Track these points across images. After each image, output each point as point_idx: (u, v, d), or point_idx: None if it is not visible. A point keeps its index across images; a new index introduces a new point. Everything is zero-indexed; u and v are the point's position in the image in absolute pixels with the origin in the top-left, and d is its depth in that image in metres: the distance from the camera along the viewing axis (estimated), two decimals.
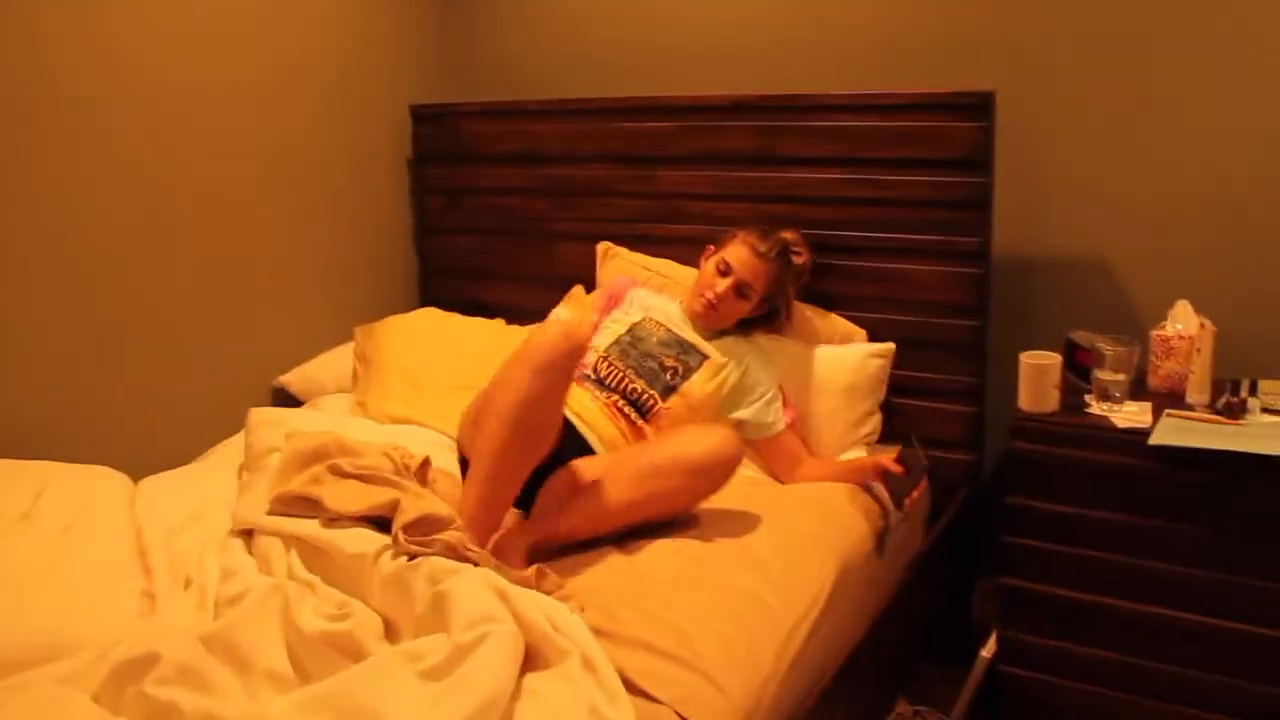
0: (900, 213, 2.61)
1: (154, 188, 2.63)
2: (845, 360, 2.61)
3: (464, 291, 3.35)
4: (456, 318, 3.04)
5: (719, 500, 2.20)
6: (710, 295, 2.49)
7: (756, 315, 2.59)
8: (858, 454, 2.56)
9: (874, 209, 2.64)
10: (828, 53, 2.87)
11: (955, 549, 2.64)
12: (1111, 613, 2.22)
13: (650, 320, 2.57)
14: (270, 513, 1.93)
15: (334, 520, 1.84)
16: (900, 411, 2.67)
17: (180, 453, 2.61)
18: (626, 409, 2.41)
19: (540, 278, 3.16)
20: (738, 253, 2.51)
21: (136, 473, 2.36)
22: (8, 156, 2.33)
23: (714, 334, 2.56)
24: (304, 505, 1.90)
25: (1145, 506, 2.16)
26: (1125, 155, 2.57)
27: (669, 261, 2.89)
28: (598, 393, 2.42)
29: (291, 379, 2.96)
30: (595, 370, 2.47)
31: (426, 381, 2.74)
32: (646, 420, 2.42)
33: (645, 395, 2.43)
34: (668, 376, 2.47)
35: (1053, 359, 2.28)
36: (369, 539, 1.77)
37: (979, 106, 2.48)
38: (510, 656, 1.48)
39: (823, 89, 2.72)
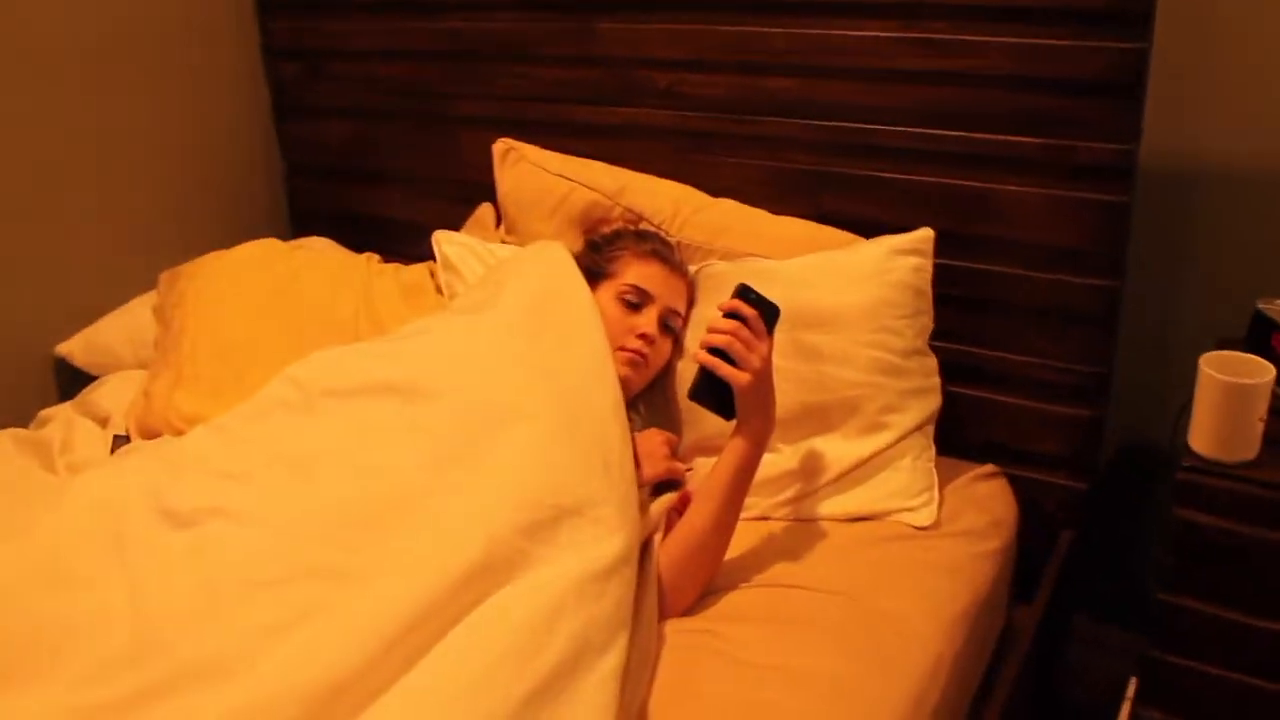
0: (988, 97, 1.60)
1: None
2: (854, 267, 1.60)
3: (336, 200, 2.36)
4: (304, 252, 2.05)
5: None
6: (636, 345, 1.53)
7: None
8: (896, 437, 1.57)
9: (943, 89, 1.63)
10: None
11: (1056, 615, 1.74)
12: None
13: None
14: None
15: None
16: (974, 409, 1.72)
17: None
18: None
19: (436, 181, 2.19)
20: (644, 270, 1.59)
21: None
22: None
23: (638, 399, 1.65)
24: None
25: None
26: None
27: (598, 164, 1.90)
28: None
29: (74, 347, 2.01)
30: None
31: (249, 359, 1.78)
32: None
33: None
34: None
35: (1264, 373, 1.32)
36: None
37: None
38: None
39: None
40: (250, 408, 1.39)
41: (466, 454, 1.23)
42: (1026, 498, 1.68)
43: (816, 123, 1.74)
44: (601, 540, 1.18)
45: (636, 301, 1.56)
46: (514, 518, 1.16)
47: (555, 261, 1.58)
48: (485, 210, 2.03)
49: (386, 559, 1.12)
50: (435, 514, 1.17)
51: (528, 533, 1.15)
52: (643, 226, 1.75)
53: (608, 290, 1.56)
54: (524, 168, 1.92)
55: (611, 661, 1.10)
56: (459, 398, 1.30)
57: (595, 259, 1.61)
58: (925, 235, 1.61)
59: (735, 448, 1.37)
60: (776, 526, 1.52)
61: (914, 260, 1.59)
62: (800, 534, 1.50)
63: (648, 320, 1.55)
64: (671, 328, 1.60)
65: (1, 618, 1.07)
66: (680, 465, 1.51)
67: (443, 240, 1.90)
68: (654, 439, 1.51)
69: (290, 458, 1.26)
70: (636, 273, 1.58)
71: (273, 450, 1.28)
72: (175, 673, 1.00)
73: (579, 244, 1.74)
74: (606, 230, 1.74)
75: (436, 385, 1.31)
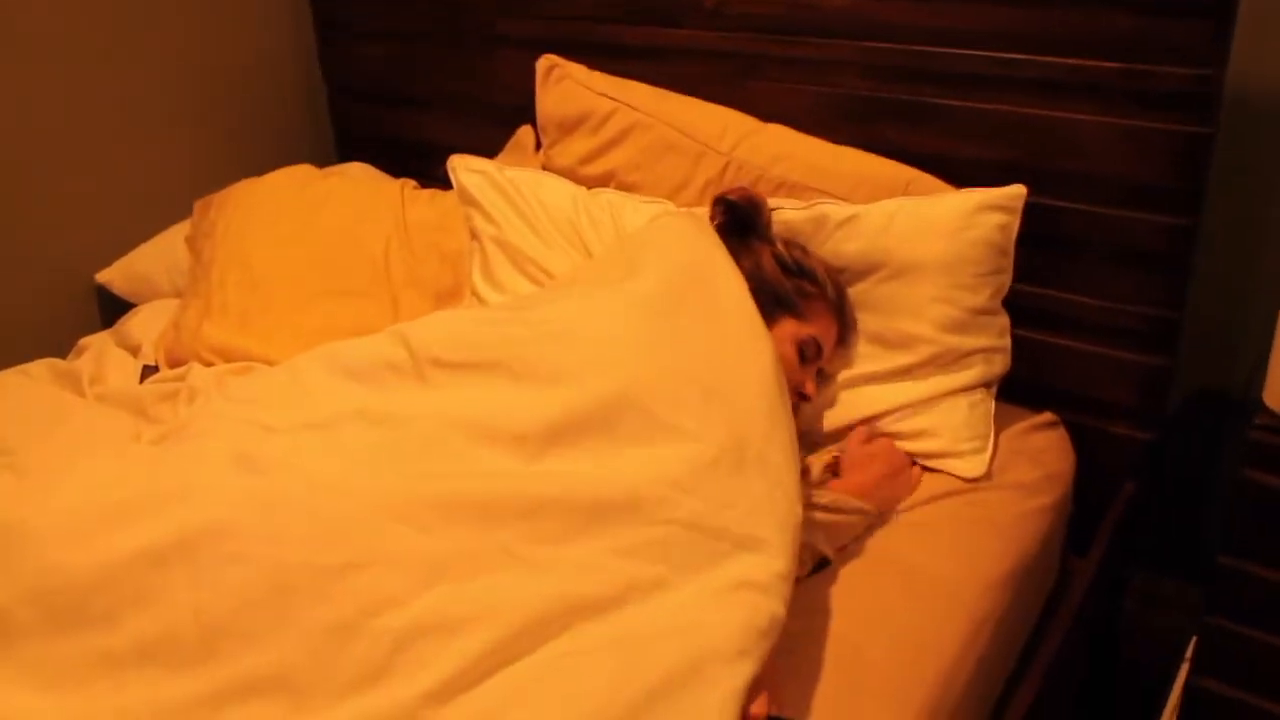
0: (1057, 17, 1.47)
1: None
2: (937, 219, 1.47)
3: (380, 124, 2.30)
4: (335, 179, 1.98)
5: None
6: (793, 400, 1.36)
7: None
8: (956, 388, 1.49)
9: (1008, 9, 1.50)
10: None
11: (1112, 569, 1.65)
12: None
13: None
14: None
15: None
16: (1034, 353, 1.61)
17: None
18: None
19: (477, 103, 2.10)
20: (828, 325, 1.45)
21: None
22: None
23: None
24: None
25: None
26: None
27: (646, 87, 1.80)
28: None
29: (114, 275, 1.99)
30: None
31: (276, 290, 1.75)
32: None
33: None
34: None
35: None
36: None
37: None
38: None
39: None
40: (347, 356, 1.22)
41: (583, 457, 1.09)
42: (1086, 447, 1.59)
43: (870, 44, 1.62)
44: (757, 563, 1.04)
45: (810, 355, 1.42)
46: (631, 542, 1.03)
47: (697, 234, 1.39)
48: (525, 133, 1.95)
49: (480, 560, 1.00)
50: (541, 524, 1.03)
51: (652, 555, 1.03)
52: (828, 264, 1.50)
53: (788, 329, 1.39)
54: (567, 86, 1.82)
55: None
56: (580, 387, 1.13)
57: (787, 286, 1.42)
58: (1017, 192, 1.47)
59: None
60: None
61: (1000, 217, 1.46)
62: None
63: (810, 377, 1.43)
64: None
65: (67, 555, 0.97)
66: None
67: (459, 167, 1.76)
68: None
69: (380, 415, 1.12)
70: (822, 325, 1.44)
71: (362, 404, 1.14)
72: (239, 683, 0.92)
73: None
74: (802, 256, 1.46)
75: (556, 369, 1.16)
